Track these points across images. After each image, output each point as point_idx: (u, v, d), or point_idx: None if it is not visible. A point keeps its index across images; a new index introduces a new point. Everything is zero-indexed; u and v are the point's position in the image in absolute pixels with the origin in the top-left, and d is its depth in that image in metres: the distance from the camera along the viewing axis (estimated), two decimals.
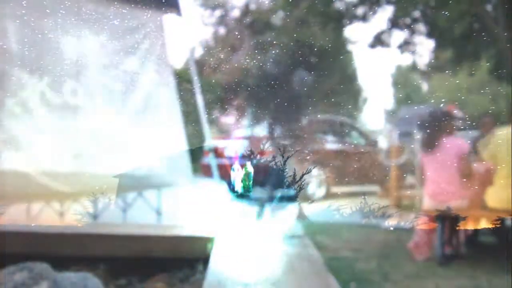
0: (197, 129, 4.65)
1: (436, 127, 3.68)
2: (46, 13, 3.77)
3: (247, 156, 2.68)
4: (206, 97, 4.98)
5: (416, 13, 7.27)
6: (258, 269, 1.66)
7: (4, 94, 3.65)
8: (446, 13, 5.94)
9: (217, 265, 1.69)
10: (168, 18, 4.62)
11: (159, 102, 4.46)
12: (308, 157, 5.35)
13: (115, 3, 4.14)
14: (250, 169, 2.41)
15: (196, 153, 4.65)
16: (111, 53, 4.15)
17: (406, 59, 7.79)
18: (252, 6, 7.83)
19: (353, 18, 7.33)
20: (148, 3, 4.36)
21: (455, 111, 4.35)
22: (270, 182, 2.50)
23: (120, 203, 3.66)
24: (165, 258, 2.00)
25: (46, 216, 3.53)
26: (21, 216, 3.44)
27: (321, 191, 5.25)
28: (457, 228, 3.32)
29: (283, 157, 2.59)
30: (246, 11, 7.81)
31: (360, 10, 7.30)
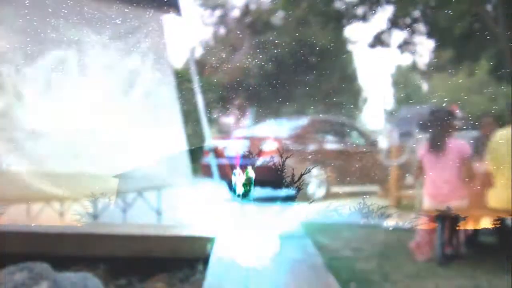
0: (197, 129, 4.65)
1: (438, 127, 3.68)
2: (49, 13, 3.78)
3: (246, 157, 2.68)
4: (206, 97, 4.98)
5: (416, 13, 7.28)
6: (258, 269, 1.66)
7: (5, 93, 3.66)
8: (450, 11, 5.94)
9: (217, 265, 1.69)
10: (168, 18, 4.63)
11: (159, 102, 4.46)
12: (308, 157, 5.36)
13: (117, 2, 4.15)
14: (252, 173, 2.40)
15: (196, 153, 4.65)
16: (112, 52, 4.16)
17: (406, 59, 7.79)
18: (252, 6, 7.83)
19: (353, 18, 7.33)
20: (148, 3, 4.36)
21: (456, 111, 4.35)
22: (269, 182, 2.50)
23: (120, 203, 3.66)
24: (165, 258, 2.00)
25: (46, 216, 3.53)
26: (21, 216, 3.44)
27: (321, 191, 5.25)
28: (457, 228, 3.32)
29: (281, 157, 2.58)
30: (246, 11, 7.81)
31: (360, 10, 7.30)
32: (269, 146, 4.46)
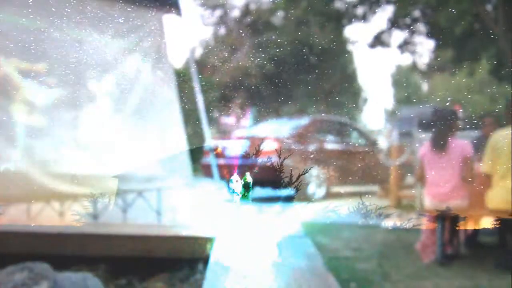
0: (197, 129, 4.65)
1: (439, 127, 3.67)
2: (52, 12, 3.78)
3: (244, 157, 2.69)
4: (206, 97, 4.98)
5: (416, 13, 7.27)
6: (258, 269, 1.66)
7: (6, 93, 3.66)
8: (453, 10, 5.93)
9: (217, 265, 1.69)
10: (168, 18, 4.62)
11: (160, 102, 4.46)
12: (308, 157, 5.35)
13: (120, 1, 4.15)
14: (249, 179, 2.40)
15: (196, 153, 4.65)
16: (114, 51, 4.16)
17: (406, 59, 7.79)
18: (252, 6, 7.83)
19: (353, 18, 7.33)
20: (148, 3, 4.36)
21: (457, 111, 4.35)
22: (267, 183, 2.50)
23: (120, 203, 3.65)
24: (165, 258, 2.00)
25: (46, 216, 3.53)
26: (21, 216, 3.44)
27: (321, 191, 5.25)
28: (457, 228, 3.32)
29: (280, 157, 2.59)
30: (246, 11, 7.81)
31: (360, 10, 7.30)
32: (268, 146, 4.46)
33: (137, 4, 4.27)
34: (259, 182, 2.45)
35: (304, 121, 6.04)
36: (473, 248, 3.43)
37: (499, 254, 3.17)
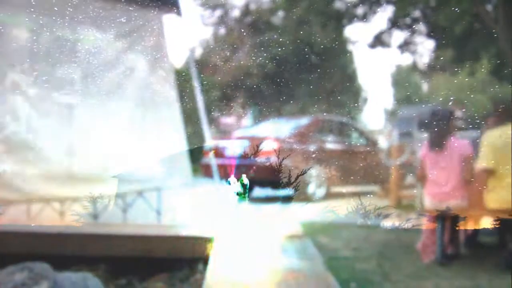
0: (197, 129, 4.65)
1: (440, 127, 3.67)
2: (55, 11, 3.79)
3: (243, 157, 2.69)
4: (206, 97, 4.98)
5: (416, 13, 7.27)
6: (258, 269, 1.65)
7: (8, 92, 3.66)
8: (453, 10, 5.93)
9: (217, 266, 1.69)
10: (169, 18, 4.62)
11: (160, 101, 4.46)
12: (308, 157, 5.35)
13: (120, 1, 4.15)
14: (246, 181, 2.40)
15: (196, 153, 4.65)
16: (115, 51, 4.16)
17: (406, 59, 7.79)
18: (253, 6, 7.83)
19: (354, 18, 7.33)
20: (148, 3, 4.36)
21: (457, 110, 4.35)
22: (266, 183, 2.50)
23: (120, 203, 3.65)
24: (165, 258, 2.00)
25: (46, 216, 3.53)
26: (21, 216, 3.44)
27: (321, 191, 5.25)
28: (457, 228, 3.32)
29: (278, 158, 2.59)
30: (246, 11, 7.81)
31: (360, 10, 7.30)
32: (268, 146, 4.46)
33: (137, 4, 4.27)
34: (258, 182, 2.45)
35: (304, 121, 6.04)
36: (473, 248, 3.43)
37: (499, 254, 3.17)
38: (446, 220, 3.28)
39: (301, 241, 2.01)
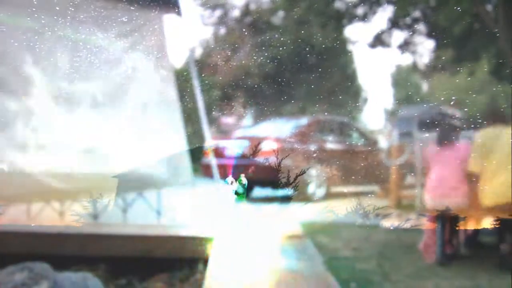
0: (197, 129, 4.65)
1: (440, 127, 3.67)
2: (56, 11, 3.79)
3: (241, 158, 2.69)
4: (206, 97, 4.98)
5: (416, 13, 7.27)
6: (258, 269, 1.66)
7: (9, 92, 3.66)
8: (453, 10, 5.93)
9: (217, 266, 1.69)
10: (169, 17, 4.62)
11: (160, 101, 4.46)
12: (308, 157, 5.35)
13: (119, 1, 4.16)
14: (244, 181, 2.40)
15: (196, 153, 4.65)
16: (115, 51, 4.16)
17: (406, 59, 7.79)
18: (252, 6, 7.83)
19: (353, 18, 7.32)
20: (148, 3, 4.36)
21: (457, 111, 4.35)
22: (265, 183, 2.50)
23: (120, 203, 3.65)
24: (165, 258, 2.00)
25: (46, 216, 3.53)
26: (21, 216, 3.44)
27: (321, 191, 5.25)
28: (457, 228, 3.32)
29: (277, 158, 2.59)
30: (246, 11, 7.81)
31: (360, 10, 7.30)
32: (267, 147, 4.46)
33: (138, 4, 4.27)
34: (256, 182, 2.45)
35: (304, 120, 6.04)
36: (473, 248, 3.43)
37: (499, 254, 3.17)
38: (446, 220, 3.29)
39: (301, 241, 2.01)
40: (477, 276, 2.89)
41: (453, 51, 6.74)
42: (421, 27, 7.25)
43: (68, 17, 3.81)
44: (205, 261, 1.81)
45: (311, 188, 5.16)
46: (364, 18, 7.25)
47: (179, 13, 4.68)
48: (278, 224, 2.22)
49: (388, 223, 3.52)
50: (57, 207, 3.61)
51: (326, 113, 6.39)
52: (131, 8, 4.23)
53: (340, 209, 3.55)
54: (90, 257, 1.99)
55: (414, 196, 4.34)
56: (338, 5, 7.47)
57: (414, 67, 7.64)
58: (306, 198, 4.90)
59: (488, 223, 3.34)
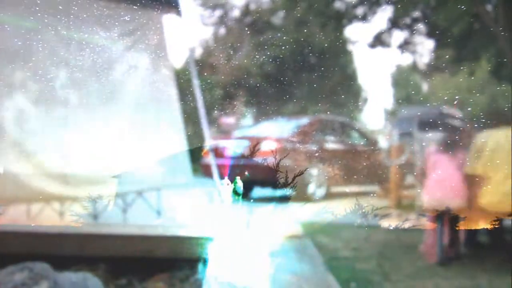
0: (197, 129, 4.65)
1: (440, 127, 3.67)
2: (59, 10, 3.79)
3: (239, 158, 2.69)
4: (206, 97, 4.98)
5: (416, 13, 7.28)
6: (258, 269, 1.66)
7: (9, 92, 3.66)
8: (453, 10, 5.93)
9: (216, 266, 1.69)
10: (169, 18, 4.63)
11: (160, 101, 4.46)
12: (308, 157, 5.35)
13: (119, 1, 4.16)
14: (240, 183, 2.40)
15: (196, 153, 4.65)
16: (116, 51, 4.16)
17: (406, 59, 7.79)
18: (252, 6, 7.83)
19: (353, 18, 7.33)
20: (147, 3, 4.36)
21: (457, 111, 4.35)
22: (263, 183, 2.50)
23: (120, 203, 3.65)
24: (165, 258, 2.00)
25: (46, 216, 3.53)
26: (21, 216, 3.44)
27: (321, 191, 5.25)
28: (457, 228, 3.31)
29: (275, 158, 2.59)
30: (246, 11, 7.81)
31: (360, 10, 7.30)
32: (265, 147, 4.47)
33: (138, 3, 4.27)
34: (254, 182, 2.45)
35: (304, 120, 6.04)
36: (473, 248, 3.43)
37: (499, 254, 3.18)
38: (446, 220, 3.28)
39: (301, 241, 2.01)
40: (477, 276, 2.89)
41: (453, 51, 6.74)
42: (421, 27, 7.25)
43: (71, 16, 3.82)
44: (205, 261, 1.81)
45: (311, 188, 5.16)
46: (364, 18, 7.25)
47: (180, 13, 4.68)
48: (277, 224, 2.22)
49: (388, 223, 3.51)
50: (57, 207, 3.61)
51: (326, 113, 6.39)
52: (134, 7, 4.24)
53: (340, 209, 3.55)
54: (90, 257, 1.99)
55: (414, 196, 4.34)
56: (338, 5, 7.47)
57: (414, 67, 7.64)
58: (306, 198, 4.90)
59: (488, 223, 3.34)
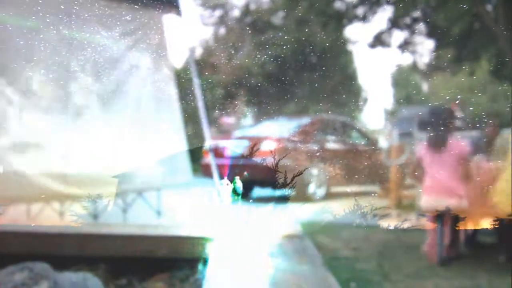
0: (197, 129, 4.66)
1: (439, 126, 3.66)
2: (61, 10, 3.80)
3: (238, 158, 2.69)
4: (207, 97, 4.98)
5: (416, 13, 7.27)
6: (258, 269, 1.65)
7: (9, 92, 3.67)
8: (453, 10, 5.92)
9: (216, 266, 1.69)
10: (170, 18, 4.63)
11: (160, 101, 4.46)
12: (308, 157, 5.35)
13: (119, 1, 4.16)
14: (239, 183, 2.39)
15: (196, 153, 4.65)
16: (116, 51, 4.16)
17: (406, 59, 7.79)
18: (252, 6, 7.83)
19: (353, 18, 7.33)
20: (148, 3, 4.36)
21: (456, 110, 4.35)
22: (262, 183, 2.49)
23: (120, 203, 3.65)
24: (165, 258, 2.00)
25: (46, 216, 3.53)
26: (21, 216, 3.44)
27: (321, 191, 5.25)
28: (457, 228, 3.31)
29: (274, 158, 2.58)
30: (246, 10, 7.81)
31: (360, 10, 7.30)
32: (265, 147, 4.47)
33: (139, 3, 4.27)
34: (254, 182, 2.45)
35: (304, 120, 6.04)
36: (473, 248, 3.43)
37: (499, 254, 3.18)
38: (446, 220, 3.28)
39: (301, 241, 2.01)
40: (477, 276, 2.89)
41: (453, 51, 6.74)
42: (421, 27, 7.25)
43: (73, 16, 3.82)
44: (205, 261, 1.81)
45: (311, 188, 5.16)
46: (364, 18, 7.26)
47: (181, 13, 4.68)
48: (277, 224, 2.22)
49: (387, 223, 3.51)
50: (57, 207, 3.62)
51: (326, 113, 6.40)
52: (135, 6, 4.24)
53: (340, 209, 3.55)
54: (90, 257, 1.98)
55: (415, 196, 4.34)
56: (338, 5, 7.48)
57: (414, 67, 7.64)
58: (306, 198, 4.90)
59: (488, 223, 3.33)
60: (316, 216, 3.52)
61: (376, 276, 2.81)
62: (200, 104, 4.60)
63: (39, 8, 3.66)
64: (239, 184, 2.36)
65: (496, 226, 3.25)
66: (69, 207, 3.56)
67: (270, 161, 2.60)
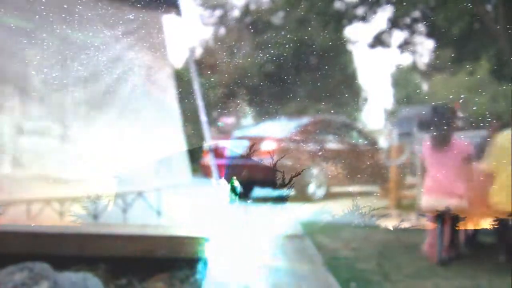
0: (197, 129, 4.65)
1: (440, 125, 3.65)
2: (64, 9, 3.80)
3: (237, 158, 2.69)
4: (207, 97, 4.98)
5: (416, 13, 7.28)
6: (258, 269, 1.65)
7: (9, 92, 3.67)
8: (453, 10, 5.92)
9: (216, 266, 1.69)
10: (170, 18, 4.63)
11: (160, 101, 4.46)
12: (308, 157, 5.36)
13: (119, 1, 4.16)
14: (237, 184, 2.40)
15: (196, 153, 4.65)
16: (116, 51, 4.16)
17: (406, 59, 7.79)
18: (253, 6, 7.83)
19: (353, 18, 7.33)
20: (148, 3, 4.36)
21: (458, 109, 4.34)
22: (261, 183, 2.50)
23: (120, 203, 3.65)
24: (165, 258, 2.00)
25: (46, 216, 3.53)
26: (21, 216, 3.44)
27: (321, 191, 5.25)
28: (457, 228, 3.31)
29: (273, 159, 2.58)
30: (246, 11, 7.81)
31: (360, 10, 7.30)
32: (264, 147, 4.47)
33: (141, 3, 4.27)
34: (252, 182, 2.45)
35: (304, 120, 6.04)
36: (473, 248, 3.43)
37: (499, 254, 3.17)
38: (446, 220, 3.28)
39: (301, 241, 2.01)
40: (477, 276, 2.88)
41: (453, 51, 6.74)
42: (421, 27, 7.25)
43: (76, 15, 3.82)
44: (205, 261, 1.81)
45: (311, 188, 5.16)
46: (364, 18, 7.26)
47: (181, 13, 4.69)
48: (277, 224, 2.22)
49: (387, 223, 3.51)
50: (57, 207, 3.61)
51: (326, 113, 6.40)
52: (137, 5, 4.24)
53: (340, 209, 3.55)
54: (90, 257, 1.99)
55: (415, 196, 4.34)
56: (338, 5, 7.48)
57: (414, 67, 7.65)
58: (306, 198, 4.90)
59: (488, 223, 3.33)
60: (316, 216, 3.52)
61: (376, 276, 2.81)
62: (200, 104, 4.60)
63: (42, 7, 3.67)
64: (237, 184, 2.37)
65: (496, 226, 3.25)
66: (69, 207, 3.56)
67: (269, 161, 2.60)
